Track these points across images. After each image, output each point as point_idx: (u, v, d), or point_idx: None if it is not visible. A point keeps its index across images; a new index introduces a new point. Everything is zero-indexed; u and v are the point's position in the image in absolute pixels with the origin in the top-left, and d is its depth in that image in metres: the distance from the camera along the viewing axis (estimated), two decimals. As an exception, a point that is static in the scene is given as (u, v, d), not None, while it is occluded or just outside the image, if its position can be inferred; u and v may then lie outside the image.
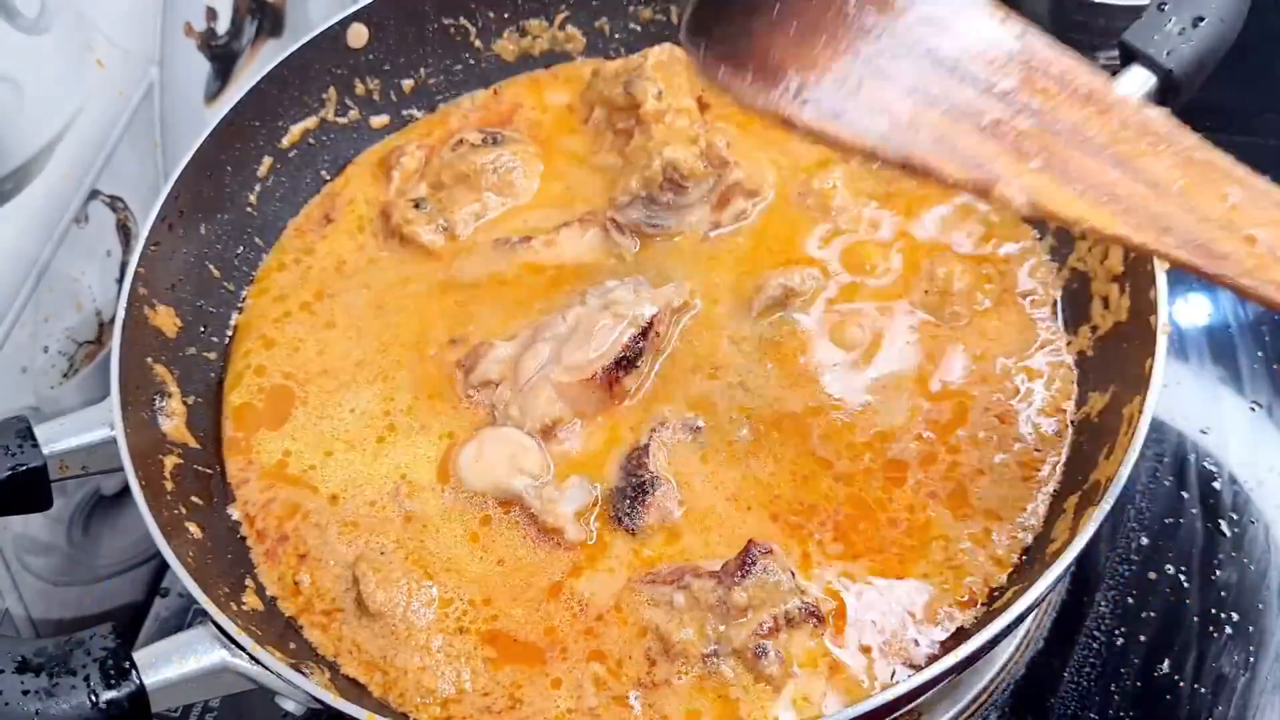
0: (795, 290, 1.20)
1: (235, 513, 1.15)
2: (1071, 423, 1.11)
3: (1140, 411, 0.99)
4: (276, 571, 1.11)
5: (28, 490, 1.06)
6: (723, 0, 0.97)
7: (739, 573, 0.99)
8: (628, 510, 1.07)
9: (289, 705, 0.97)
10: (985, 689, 1.16)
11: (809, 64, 0.92)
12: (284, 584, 1.10)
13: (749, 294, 1.21)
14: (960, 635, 1.00)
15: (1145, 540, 1.24)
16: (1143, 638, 1.18)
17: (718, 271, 1.24)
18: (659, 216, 1.27)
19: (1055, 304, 1.19)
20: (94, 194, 1.26)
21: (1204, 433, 1.31)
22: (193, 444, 1.17)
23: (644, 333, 1.15)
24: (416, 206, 1.32)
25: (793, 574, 1.00)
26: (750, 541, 1.01)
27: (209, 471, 1.17)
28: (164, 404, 1.16)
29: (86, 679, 0.90)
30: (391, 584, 1.06)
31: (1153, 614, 1.20)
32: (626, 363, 1.14)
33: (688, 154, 1.24)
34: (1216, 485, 1.27)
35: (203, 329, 1.25)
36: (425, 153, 1.38)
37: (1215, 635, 1.18)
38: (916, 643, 1.00)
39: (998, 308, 1.19)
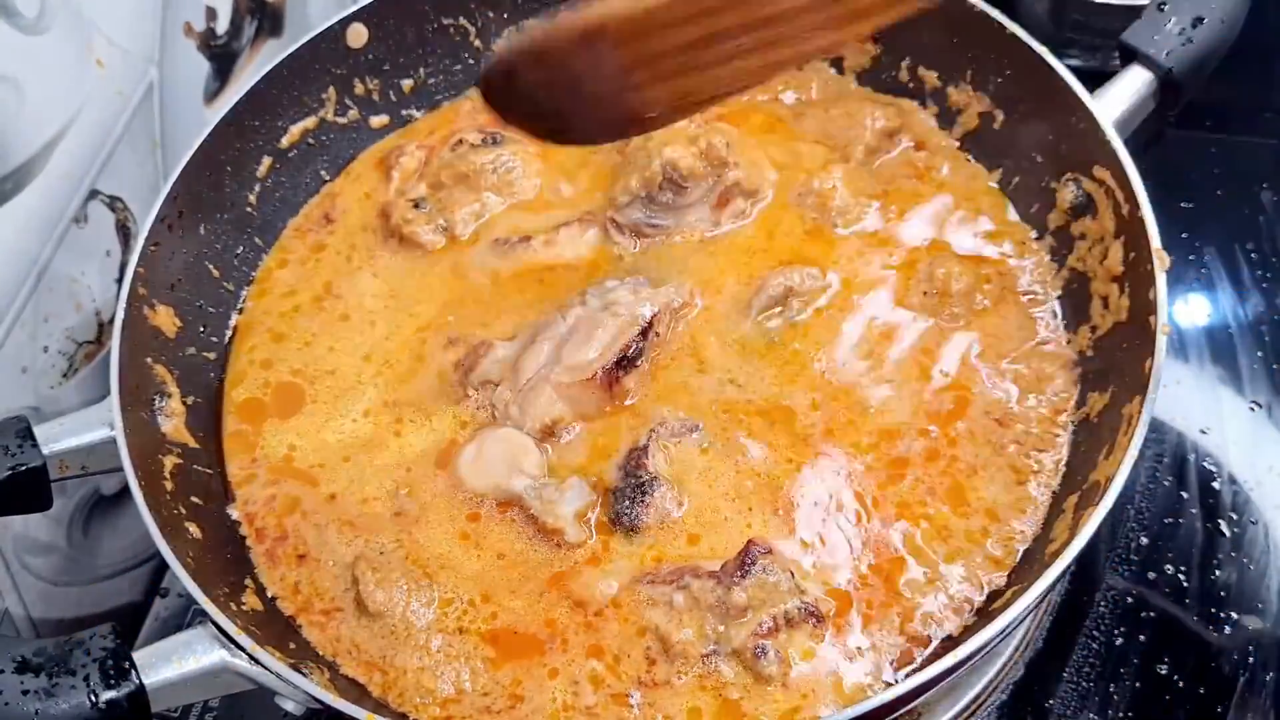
0: (795, 290, 1.20)
1: (235, 512, 1.15)
2: (1071, 423, 1.11)
3: (1140, 411, 0.99)
4: (277, 572, 1.11)
5: (27, 490, 1.06)
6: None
7: (738, 573, 0.99)
8: (627, 510, 1.07)
9: (289, 705, 0.97)
10: (985, 689, 1.16)
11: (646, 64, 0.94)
12: (284, 584, 1.10)
13: (749, 293, 1.21)
14: (960, 635, 1.01)
15: (1145, 540, 1.24)
16: (1143, 638, 1.18)
17: (717, 271, 1.24)
18: (658, 216, 1.27)
19: (1055, 304, 1.19)
20: (93, 194, 1.26)
21: (1204, 433, 1.31)
22: (192, 444, 1.17)
23: (644, 333, 1.15)
24: (416, 206, 1.32)
25: (791, 574, 1.00)
26: (750, 541, 1.01)
27: (209, 471, 1.17)
28: (164, 404, 1.16)
29: (86, 679, 0.90)
30: (391, 584, 1.06)
31: (1153, 614, 1.20)
32: (627, 363, 1.14)
33: (687, 154, 1.24)
34: (1216, 485, 1.27)
35: (202, 329, 1.25)
36: (425, 153, 1.38)
37: (1215, 635, 1.18)
38: (916, 643, 1.00)
39: (997, 307, 1.19)
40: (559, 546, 1.07)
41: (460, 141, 1.36)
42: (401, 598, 1.05)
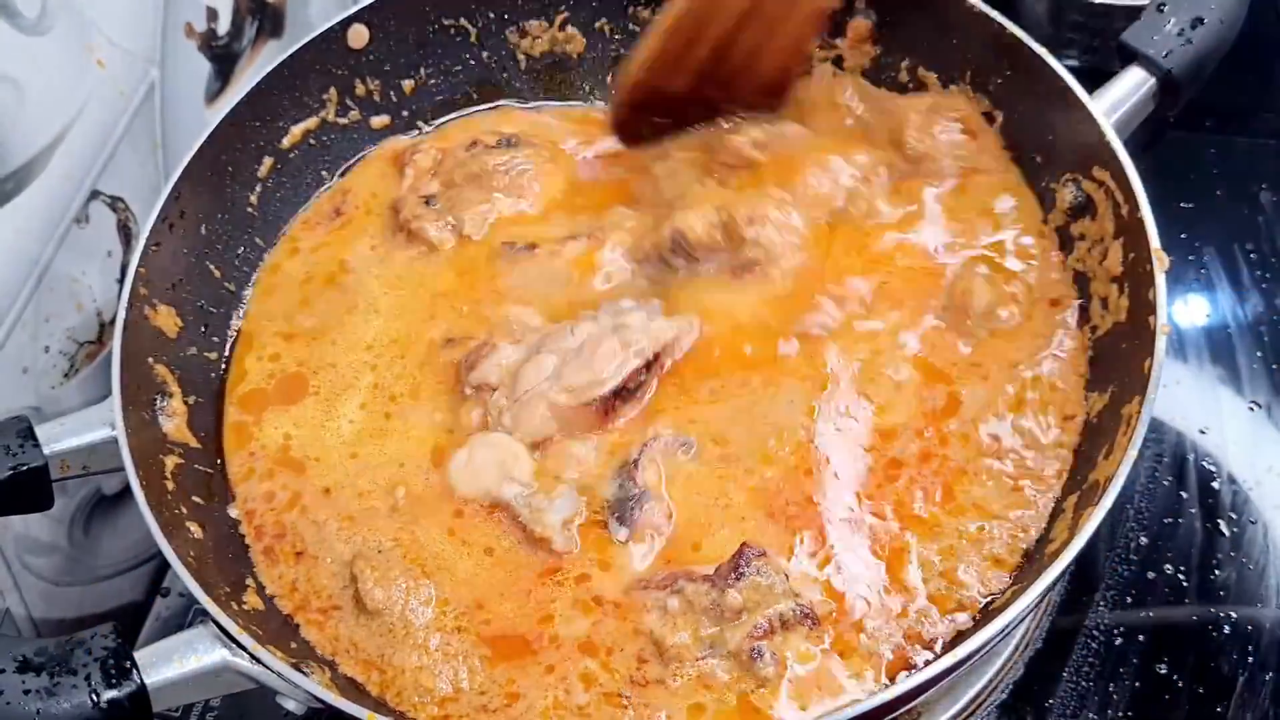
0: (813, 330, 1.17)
1: (235, 511, 1.15)
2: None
3: (1139, 411, 0.99)
4: (275, 570, 1.11)
5: (29, 490, 1.06)
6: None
7: (732, 575, 0.99)
8: (617, 523, 1.07)
9: (290, 705, 0.97)
10: (985, 689, 1.16)
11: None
12: (281, 582, 1.10)
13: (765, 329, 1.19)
14: (960, 635, 1.00)
15: (1144, 540, 1.24)
16: (1142, 638, 1.19)
17: (733, 308, 1.20)
18: (673, 266, 1.23)
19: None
20: (95, 194, 1.26)
21: (1203, 433, 1.31)
22: (193, 444, 1.17)
23: (649, 365, 1.14)
24: (427, 203, 1.31)
25: (786, 576, 1.00)
26: (744, 544, 1.01)
27: (209, 471, 1.17)
28: (165, 404, 1.16)
29: (88, 678, 0.90)
30: (390, 582, 1.06)
31: (1152, 614, 1.20)
32: (626, 394, 1.13)
33: (700, 223, 1.19)
34: (1215, 485, 1.27)
35: (203, 329, 1.25)
36: (440, 151, 1.37)
37: (1215, 635, 1.18)
38: (915, 643, 1.00)
39: (1021, 324, 1.15)
40: (549, 554, 1.07)
41: (475, 142, 1.36)
42: (400, 596, 1.05)
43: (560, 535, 1.07)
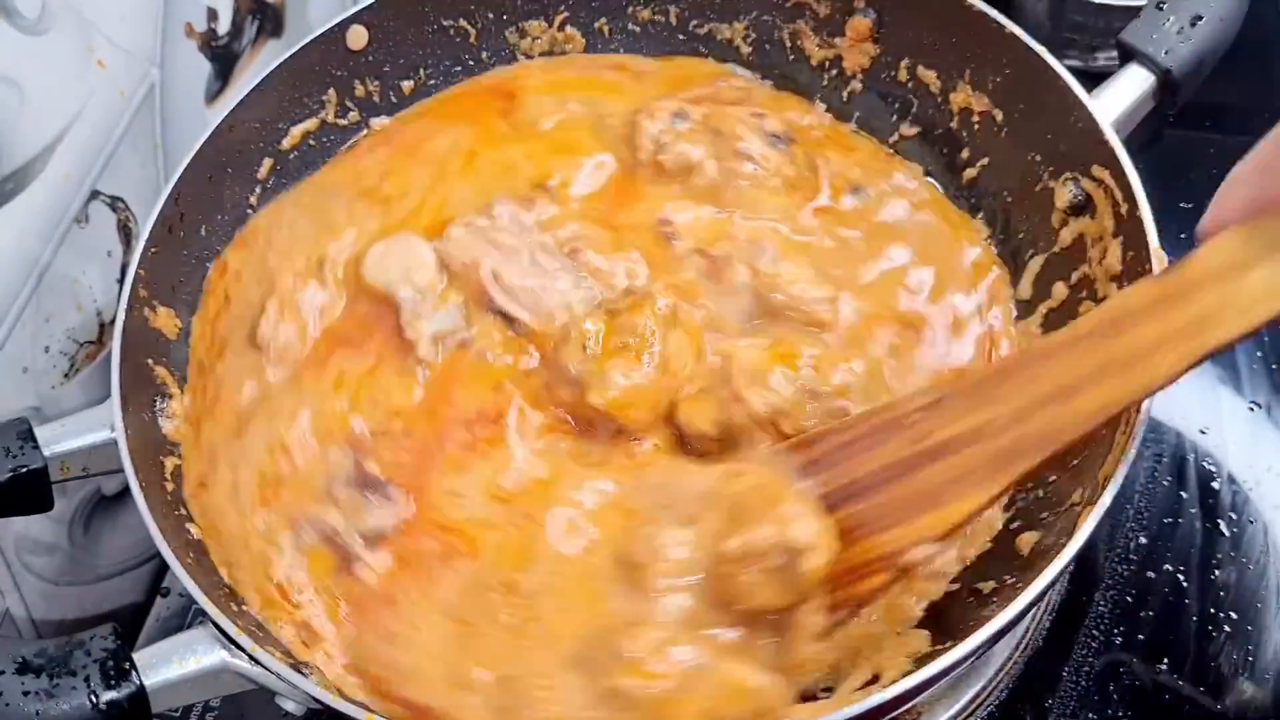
0: None
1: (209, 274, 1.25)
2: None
3: (1138, 411, 0.99)
4: (199, 332, 1.21)
5: (29, 492, 1.06)
6: None
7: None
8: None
9: (289, 705, 0.97)
10: (984, 689, 1.16)
11: None
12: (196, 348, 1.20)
13: None
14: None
15: (1144, 540, 1.24)
16: (1142, 638, 1.19)
17: None
18: None
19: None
20: (95, 194, 1.26)
21: (1203, 432, 1.31)
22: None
23: (534, 335, 1.14)
24: (676, 115, 1.26)
25: None
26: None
27: (209, 472, 1.17)
28: (164, 405, 1.16)
29: (87, 680, 0.90)
30: (285, 324, 1.16)
31: (1152, 614, 1.20)
32: (510, 322, 1.15)
33: (582, 345, 1.10)
34: (1215, 485, 1.27)
35: (203, 329, 1.25)
36: (746, 93, 1.33)
37: (1214, 635, 1.18)
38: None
39: None
40: (415, 365, 1.12)
41: (759, 114, 1.25)
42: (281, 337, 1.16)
43: (426, 345, 1.12)
